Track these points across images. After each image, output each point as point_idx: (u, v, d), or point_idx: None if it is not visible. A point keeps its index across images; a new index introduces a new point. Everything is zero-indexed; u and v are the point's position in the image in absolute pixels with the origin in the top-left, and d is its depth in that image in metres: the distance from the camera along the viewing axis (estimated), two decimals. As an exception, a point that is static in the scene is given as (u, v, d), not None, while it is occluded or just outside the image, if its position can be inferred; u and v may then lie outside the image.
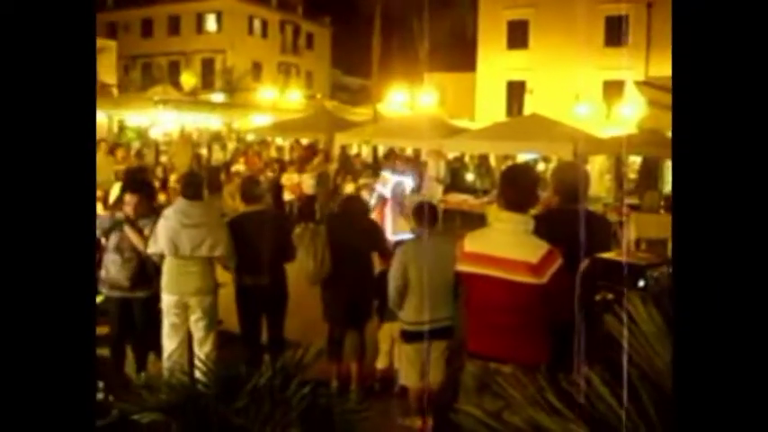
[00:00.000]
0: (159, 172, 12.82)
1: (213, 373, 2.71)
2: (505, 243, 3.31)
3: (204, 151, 20.99)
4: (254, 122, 24.41)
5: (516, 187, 3.45)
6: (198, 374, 3.04)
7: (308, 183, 14.78)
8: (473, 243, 3.48)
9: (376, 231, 5.93)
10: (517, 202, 3.40)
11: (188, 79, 29.22)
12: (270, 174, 14.96)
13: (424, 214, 5.03)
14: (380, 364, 5.73)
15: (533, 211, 3.55)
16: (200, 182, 5.98)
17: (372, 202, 7.79)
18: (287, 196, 14.39)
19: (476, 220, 11.68)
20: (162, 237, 5.40)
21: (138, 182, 6.66)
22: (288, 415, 2.47)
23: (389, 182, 8.76)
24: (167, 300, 5.47)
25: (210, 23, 44.34)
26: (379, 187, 8.67)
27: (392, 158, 16.85)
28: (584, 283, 3.00)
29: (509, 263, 3.26)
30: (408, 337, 4.87)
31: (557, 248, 3.23)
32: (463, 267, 3.47)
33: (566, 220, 3.45)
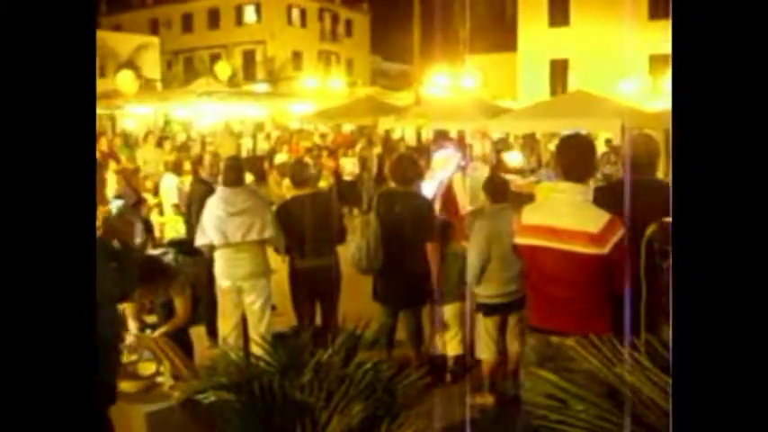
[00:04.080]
0: (207, 162, 12.92)
1: (275, 351, 2.70)
2: (564, 213, 3.23)
3: (249, 141, 21.18)
4: (296, 111, 24.52)
5: (574, 157, 3.36)
6: (258, 353, 3.04)
7: (347, 168, 14.78)
8: (531, 215, 3.41)
9: (428, 212, 5.79)
10: (575, 171, 3.31)
11: (223, 69, 29.41)
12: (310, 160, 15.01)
13: (497, 189, 5.17)
14: (452, 350, 5.61)
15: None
16: (239, 167, 5.90)
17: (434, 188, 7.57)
18: (324, 182, 14.40)
19: (524, 200, 11.51)
20: (209, 227, 5.42)
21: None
22: (351, 390, 2.45)
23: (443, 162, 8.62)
24: (221, 285, 5.52)
25: (250, 15, 44.62)
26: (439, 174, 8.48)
27: (439, 141, 16.73)
28: (650, 249, 2.91)
29: (569, 233, 3.18)
30: (488, 310, 5.02)
31: (619, 217, 3.14)
32: (521, 240, 3.40)
33: (632, 190, 3.37)
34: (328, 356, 2.53)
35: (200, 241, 5.50)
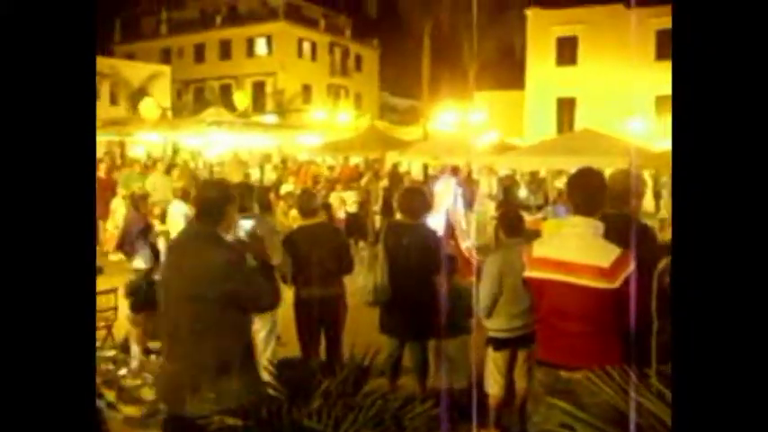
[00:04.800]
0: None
1: (283, 377, 2.69)
2: (575, 247, 3.23)
3: (256, 171, 21.26)
4: (304, 143, 24.68)
5: (585, 190, 3.37)
6: (266, 378, 3.03)
7: (350, 200, 14.83)
8: (541, 248, 3.41)
9: (436, 245, 5.80)
10: (586, 205, 3.32)
11: (241, 99, 29.74)
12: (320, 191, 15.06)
13: (512, 222, 5.17)
14: (457, 383, 5.51)
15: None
16: (248, 195, 5.95)
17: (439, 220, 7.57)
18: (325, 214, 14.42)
19: (531, 237, 11.49)
20: None
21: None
22: (360, 418, 2.44)
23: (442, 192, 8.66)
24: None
25: (261, 47, 45.18)
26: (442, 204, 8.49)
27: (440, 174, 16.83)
28: (662, 283, 2.90)
29: (579, 267, 3.18)
30: (498, 344, 4.97)
31: (629, 252, 3.14)
32: (532, 273, 3.40)
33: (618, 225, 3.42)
34: (337, 384, 2.52)
35: None
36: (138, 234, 6.49)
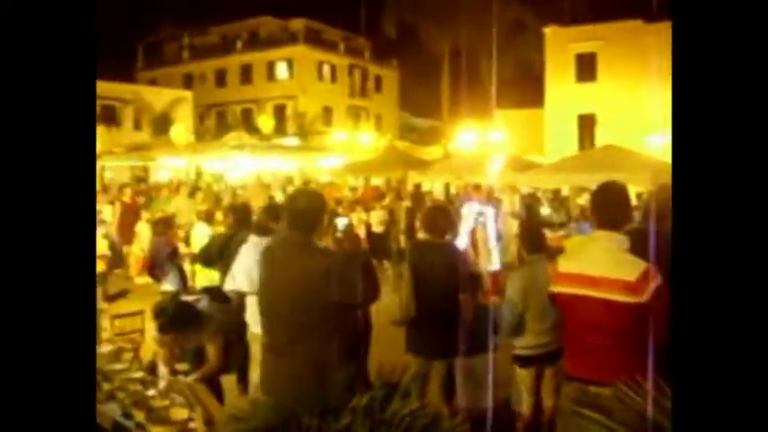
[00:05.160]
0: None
1: (311, 394, 2.70)
2: (601, 262, 3.23)
3: (279, 194, 21.40)
4: (325, 165, 24.83)
5: (609, 205, 3.37)
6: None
7: (375, 220, 14.86)
8: (567, 263, 3.41)
9: (461, 263, 5.80)
10: (611, 219, 3.32)
11: (266, 122, 30.05)
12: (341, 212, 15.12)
13: (533, 239, 5.20)
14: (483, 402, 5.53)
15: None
16: (271, 217, 5.99)
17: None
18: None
19: (554, 254, 11.44)
20: (238, 274, 5.49)
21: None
22: (389, 435, 2.44)
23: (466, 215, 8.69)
24: (253, 331, 5.55)
25: (281, 71, 45.60)
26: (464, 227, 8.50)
27: (470, 194, 16.81)
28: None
29: (606, 282, 3.17)
30: (524, 361, 4.98)
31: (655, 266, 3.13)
32: (558, 288, 3.40)
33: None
34: (366, 401, 2.53)
35: (228, 286, 5.57)
36: (165, 257, 6.56)
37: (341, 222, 3.97)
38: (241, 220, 6.34)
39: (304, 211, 3.55)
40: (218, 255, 6.26)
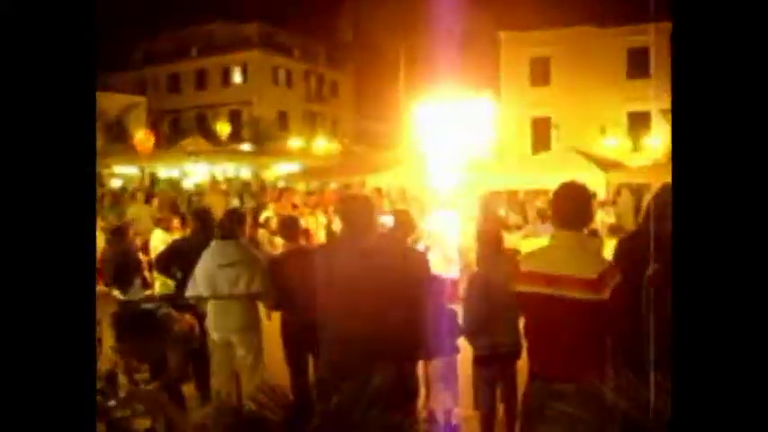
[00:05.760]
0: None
1: (279, 399, 2.68)
2: (563, 260, 3.27)
3: (236, 201, 21.21)
4: (282, 170, 24.72)
5: (570, 205, 3.42)
6: (255, 403, 3.01)
7: (337, 222, 14.87)
8: (529, 263, 3.45)
9: (424, 267, 5.80)
10: (571, 219, 3.37)
11: (223, 128, 29.80)
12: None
13: (490, 240, 5.20)
14: (446, 404, 5.55)
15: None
16: (234, 221, 5.99)
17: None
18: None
19: (511, 255, 11.54)
20: (199, 279, 5.44)
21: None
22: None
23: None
24: (212, 337, 5.50)
25: (236, 76, 45.28)
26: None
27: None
28: (652, 287, 2.94)
29: (567, 280, 3.22)
30: (484, 361, 5.00)
31: (615, 264, 3.19)
32: (521, 288, 3.43)
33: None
34: (335, 404, 2.52)
35: (189, 292, 5.51)
36: (128, 266, 6.45)
37: (387, 220, 4.32)
38: (203, 225, 6.26)
39: (359, 216, 3.96)
40: (179, 261, 6.16)
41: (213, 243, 5.65)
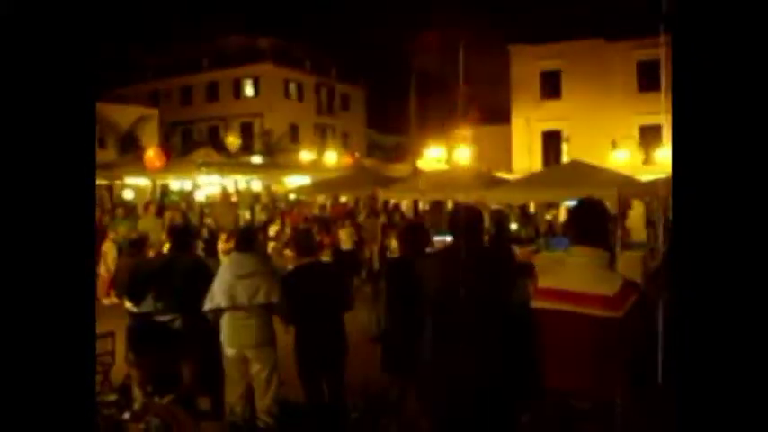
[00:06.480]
0: (205, 233, 12.95)
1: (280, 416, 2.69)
2: (580, 277, 3.27)
3: (247, 213, 21.28)
4: (293, 183, 24.77)
5: (588, 221, 3.42)
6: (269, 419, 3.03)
7: (343, 238, 14.87)
8: (546, 279, 3.45)
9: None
10: (589, 235, 3.37)
11: (233, 141, 29.92)
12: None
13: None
14: None
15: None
16: (252, 235, 6.11)
17: None
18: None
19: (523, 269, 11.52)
20: (218, 291, 5.48)
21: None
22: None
23: None
24: (227, 353, 5.51)
25: (248, 89, 45.51)
26: None
27: (438, 211, 16.89)
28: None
29: (584, 297, 3.21)
30: None
31: (635, 282, 3.18)
32: (537, 304, 3.43)
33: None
34: (353, 419, 2.53)
35: (207, 306, 5.53)
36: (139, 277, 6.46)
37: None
38: (181, 243, 6.30)
39: (469, 223, 4.15)
40: (152, 282, 6.02)
41: (231, 255, 5.74)
